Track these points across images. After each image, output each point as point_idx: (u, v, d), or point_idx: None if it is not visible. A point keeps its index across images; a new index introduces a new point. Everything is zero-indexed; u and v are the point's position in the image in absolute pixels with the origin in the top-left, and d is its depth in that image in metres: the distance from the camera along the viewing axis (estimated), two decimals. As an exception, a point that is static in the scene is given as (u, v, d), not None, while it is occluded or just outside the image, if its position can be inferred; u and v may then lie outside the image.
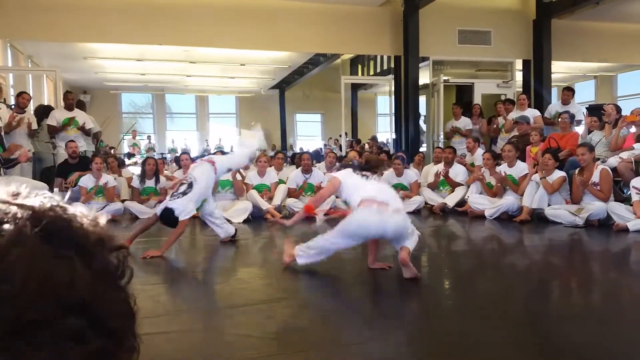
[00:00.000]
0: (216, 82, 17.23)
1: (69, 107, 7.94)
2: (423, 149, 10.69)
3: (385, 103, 14.03)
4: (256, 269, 4.43)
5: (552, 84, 10.87)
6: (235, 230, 5.20)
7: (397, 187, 7.42)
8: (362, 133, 16.05)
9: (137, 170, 8.59)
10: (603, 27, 10.90)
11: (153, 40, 9.53)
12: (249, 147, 5.27)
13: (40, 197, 0.41)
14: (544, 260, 4.66)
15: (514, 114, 8.34)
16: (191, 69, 14.42)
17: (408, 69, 9.86)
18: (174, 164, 10.07)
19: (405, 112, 10.09)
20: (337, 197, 5.04)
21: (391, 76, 10.76)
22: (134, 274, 0.46)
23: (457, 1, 10.16)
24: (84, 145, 7.99)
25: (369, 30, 9.99)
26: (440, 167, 7.49)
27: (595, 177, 5.83)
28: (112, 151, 11.48)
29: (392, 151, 9.67)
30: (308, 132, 21.13)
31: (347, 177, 3.67)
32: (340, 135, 12.33)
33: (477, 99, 10.25)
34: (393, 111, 10.62)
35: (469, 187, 7.14)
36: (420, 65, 10.10)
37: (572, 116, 7.50)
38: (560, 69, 13.30)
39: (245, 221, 6.40)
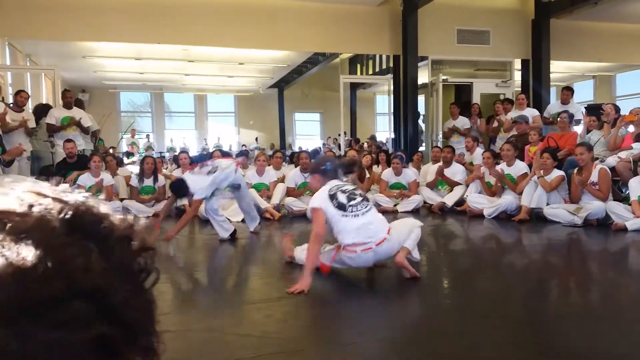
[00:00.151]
0: (215, 81, 17.23)
1: (67, 106, 7.93)
2: (422, 148, 10.69)
3: (384, 102, 14.02)
4: (255, 268, 4.43)
5: (551, 83, 10.89)
6: (235, 229, 5.20)
7: (396, 186, 7.44)
8: (361, 132, 16.06)
9: (135, 169, 8.58)
10: (602, 27, 10.91)
11: (152, 39, 9.52)
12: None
13: (77, 193, 0.44)
14: (542, 260, 4.66)
15: (512, 114, 8.35)
16: (190, 68, 14.41)
17: (407, 68, 9.86)
18: (174, 164, 10.06)
19: (404, 112, 10.10)
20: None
21: (390, 75, 10.76)
22: None
23: (456, 1, 10.17)
24: (83, 144, 7.97)
25: (367, 30, 9.99)
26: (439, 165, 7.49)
27: (594, 177, 5.84)
28: (111, 150, 11.46)
29: (390, 150, 9.67)
30: (307, 131, 21.14)
31: (327, 207, 3.48)
32: (339, 135, 12.33)
33: (476, 99, 10.25)
34: (392, 110, 10.63)
35: (467, 186, 7.14)
36: (419, 64, 10.10)
37: (571, 116, 7.51)
38: (559, 69, 13.32)
39: (244, 220, 6.39)
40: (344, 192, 3.55)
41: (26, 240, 0.38)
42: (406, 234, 3.64)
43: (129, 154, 15.81)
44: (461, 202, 7.08)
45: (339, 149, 12.03)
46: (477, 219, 6.50)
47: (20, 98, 7.38)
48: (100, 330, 0.38)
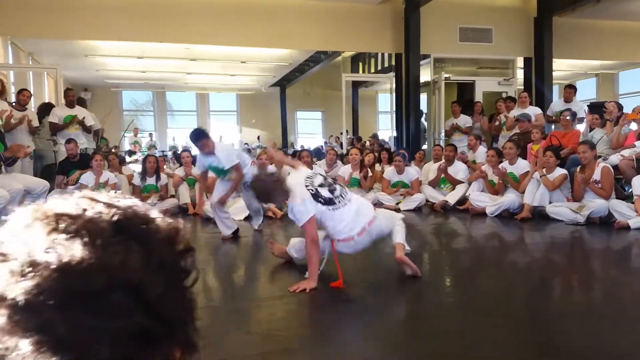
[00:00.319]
0: (217, 79, 17.23)
1: (69, 105, 7.94)
2: (425, 146, 10.68)
3: (386, 101, 14.01)
4: (257, 267, 4.44)
5: (554, 81, 10.85)
6: (237, 227, 5.21)
7: (398, 184, 7.44)
8: (363, 131, 16.04)
9: (138, 167, 8.59)
10: (604, 25, 10.88)
11: (154, 37, 9.52)
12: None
13: (129, 200, 0.50)
14: (545, 258, 4.65)
15: (515, 112, 8.34)
16: (192, 67, 14.41)
17: (409, 66, 9.85)
18: (176, 163, 10.06)
19: (406, 110, 10.08)
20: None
21: (392, 74, 10.75)
22: None
23: (459, -2, 10.15)
24: (85, 143, 7.99)
25: (370, 28, 9.98)
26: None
27: (597, 175, 5.82)
28: (113, 149, 11.47)
29: (393, 149, 9.67)
30: (309, 130, 21.13)
31: (317, 209, 3.40)
32: (341, 133, 12.32)
33: (478, 97, 10.24)
34: (394, 109, 10.62)
35: (470, 184, 7.13)
36: (422, 62, 10.09)
37: (574, 114, 7.49)
38: (561, 67, 13.28)
39: (246, 218, 6.40)
40: (322, 185, 3.50)
41: (76, 239, 0.43)
42: (389, 218, 3.67)
43: (131, 153, 15.83)
44: (463, 200, 7.08)
45: (341, 148, 12.03)
46: (479, 217, 6.49)
47: (23, 97, 7.40)
48: (137, 320, 0.43)
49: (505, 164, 6.73)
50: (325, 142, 17.58)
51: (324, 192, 3.47)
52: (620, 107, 6.98)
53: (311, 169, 7.14)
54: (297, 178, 3.54)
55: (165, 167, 8.57)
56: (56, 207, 0.46)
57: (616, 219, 5.53)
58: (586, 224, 5.65)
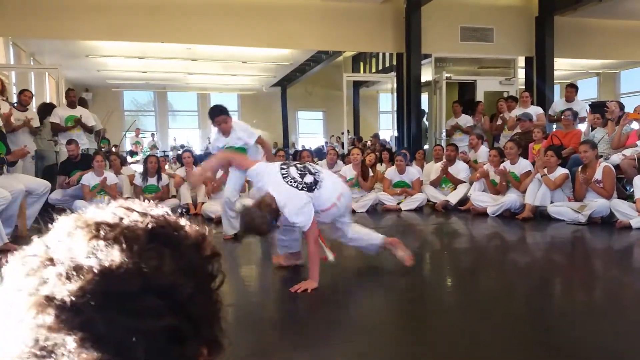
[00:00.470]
0: (218, 79, 17.24)
1: (71, 105, 7.95)
2: (427, 146, 10.67)
3: (387, 100, 14.01)
4: (258, 267, 4.44)
5: (555, 81, 10.84)
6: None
7: (400, 184, 7.43)
8: (364, 130, 16.04)
9: (139, 168, 8.60)
10: (606, 24, 10.86)
11: (155, 38, 9.53)
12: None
13: (161, 209, 0.54)
14: (546, 258, 4.65)
15: (516, 111, 8.33)
16: (193, 67, 14.42)
17: (410, 66, 9.84)
18: (177, 163, 10.08)
19: (407, 110, 10.07)
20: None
21: (393, 73, 10.74)
22: None
23: (460, -2, 10.15)
24: (87, 143, 7.99)
25: (371, 28, 9.98)
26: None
27: (598, 175, 5.82)
28: (113, 148, 11.49)
29: (394, 149, 9.67)
30: (310, 130, 21.14)
31: (307, 197, 3.33)
32: (343, 133, 12.32)
33: (480, 96, 10.23)
34: (395, 109, 10.61)
35: (471, 184, 7.13)
36: (423, 62, 10.08)
37: (575, 113, 7.49)
38: (562, 66, 13.26)
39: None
40: (302, 174, 3.39)
41: (115, 245, 0.47)
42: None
43: (132, 153, 15.84)
44: (465, 200, 7.07)
45: (342, 148, 12.02)
46: (480, 217, 6.48)
47: (24, 97, 7.40)
48: (170, 321, 0.46)
49: (506, 164, 6.73)
50: (326, 142, 17.60)
51: (307, 179, 3.39)
52: (621, 107, 6.97)
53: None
54: (276, 183, 3.32)
55: (166, 167, 8.58)
56: (96, 216, 0.51)
57: (618, 218, 5.52)
58: (588, 223, 5.65)
